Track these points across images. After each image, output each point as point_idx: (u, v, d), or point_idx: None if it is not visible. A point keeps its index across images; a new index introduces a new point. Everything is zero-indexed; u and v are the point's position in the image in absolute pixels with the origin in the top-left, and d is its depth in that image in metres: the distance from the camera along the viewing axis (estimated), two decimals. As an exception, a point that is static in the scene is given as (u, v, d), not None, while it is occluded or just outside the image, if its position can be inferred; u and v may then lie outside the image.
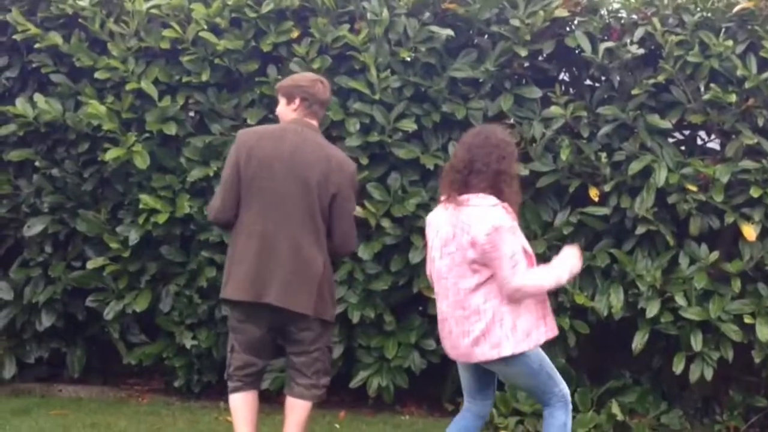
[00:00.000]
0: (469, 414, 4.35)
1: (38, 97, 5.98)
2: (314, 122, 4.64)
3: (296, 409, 4.58)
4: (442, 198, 4.18)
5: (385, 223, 5.67)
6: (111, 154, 5.75)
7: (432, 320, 5.81)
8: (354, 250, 4.93)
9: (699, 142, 5.81)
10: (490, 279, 4.01)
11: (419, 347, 5.78)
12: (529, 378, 4.15)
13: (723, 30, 5.47)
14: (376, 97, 5.68)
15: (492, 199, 4.04)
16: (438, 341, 5.77)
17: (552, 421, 4.16)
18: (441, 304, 4.19)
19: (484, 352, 4.05)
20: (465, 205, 4.05)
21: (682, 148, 5.72)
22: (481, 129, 4.32)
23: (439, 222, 4.15)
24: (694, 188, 5.37)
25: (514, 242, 4.01)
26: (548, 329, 4.12)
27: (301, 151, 4.48)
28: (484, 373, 4.26)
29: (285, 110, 4.64)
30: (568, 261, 4.16)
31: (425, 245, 5.51)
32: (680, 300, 5.39)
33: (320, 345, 4.59)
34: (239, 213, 4.52)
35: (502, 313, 4.02)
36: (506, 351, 4.01)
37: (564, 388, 4.19)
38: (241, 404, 4.60)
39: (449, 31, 5.64)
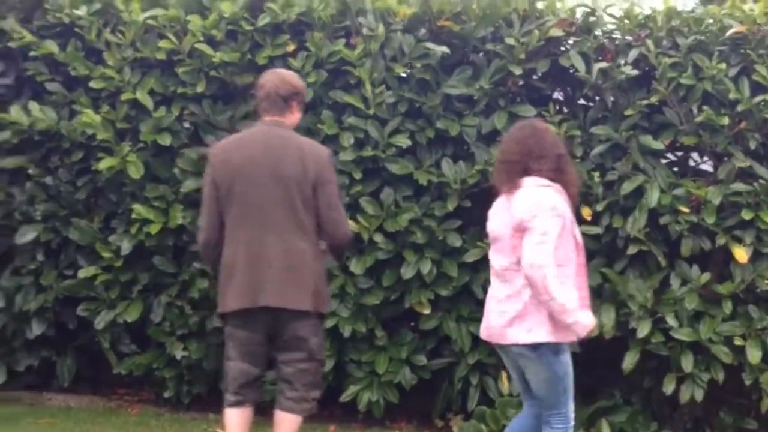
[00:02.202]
0: (526, 413, 4.31)
1: (33, 105, 6.00)
2: (277, 118, 4.54)
3: (284, 424, 4.53)
4: (503, 191, 4.16)
5: (378, 238, 5.67)
6: (105, 164, 5.76)
7: (422, 336, 5.86)
8: (350, 235, 4.74)
9: (691, 163, 5.81)
10: None
11: (410, 362, 5.78)
12: (547, 381, 4.08)
13: (716, 53, 5.49)
14: (371, 112, 5.69)
15: (543, 180, 4.07)
16: (428, 357, 5.83)
17: None
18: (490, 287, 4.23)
19: (515, 335, 4.03)
20: (518, 188, 4.07)
21: (675, 169, 5.73)
22: (522, 124, 4.35)
23: (494, 212, 4.20)
24: (686, 209, 5.39)
25: (552, 223, 3.97)
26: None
27: (271, 148, 4.45)
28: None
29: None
30: (587, 322, 4.06)
31: (417, 260, 5.63)
32: (671, 320, 5.40)
33: (313, 348, 4.52)
34: (226, 228, 4.50)
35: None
36: (539, 337, 3.98)
37: (571, 413, 4.14)
38: (236, 420, 4.54)
39: (444, 48, 5.66)
